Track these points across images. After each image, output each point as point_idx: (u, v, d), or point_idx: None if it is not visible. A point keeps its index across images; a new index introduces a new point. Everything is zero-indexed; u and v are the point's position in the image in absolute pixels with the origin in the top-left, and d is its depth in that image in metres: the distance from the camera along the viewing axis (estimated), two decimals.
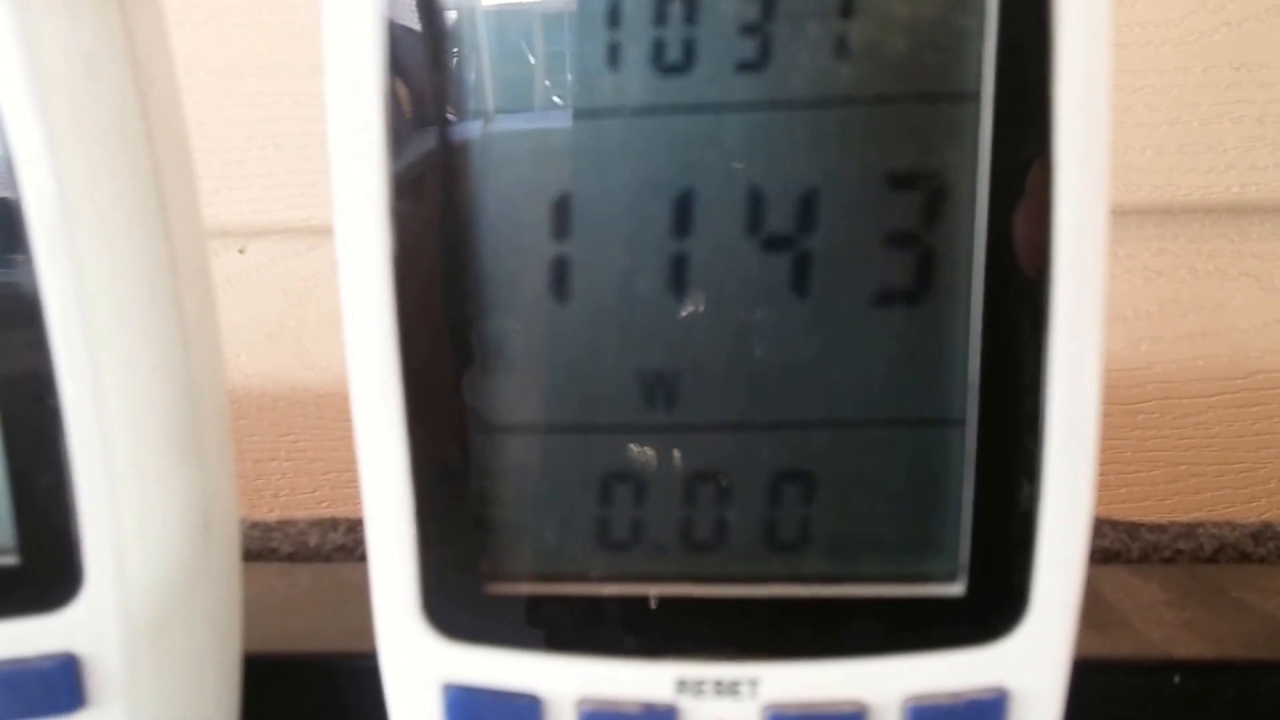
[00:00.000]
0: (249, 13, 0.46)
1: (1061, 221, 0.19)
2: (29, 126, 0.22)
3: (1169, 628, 0.29)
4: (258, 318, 0.49)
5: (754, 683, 0.22)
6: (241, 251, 0.48)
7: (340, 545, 0.47)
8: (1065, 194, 0.19)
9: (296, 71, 0.46)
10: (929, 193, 0.20)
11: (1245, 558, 0.36)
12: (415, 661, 0.23)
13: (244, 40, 0.46)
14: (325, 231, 0.48)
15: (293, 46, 0.46)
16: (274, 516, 0.47)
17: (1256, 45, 0.42)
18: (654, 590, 0.22)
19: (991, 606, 0.21)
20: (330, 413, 0.51)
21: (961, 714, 0.21)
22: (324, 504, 0.51)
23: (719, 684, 0.22)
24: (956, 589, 0.21)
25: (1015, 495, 0.21)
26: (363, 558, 0.46)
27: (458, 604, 0.22)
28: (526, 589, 0.22)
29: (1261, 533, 0.37)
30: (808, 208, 0.20)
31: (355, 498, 0.53)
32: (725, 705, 0.22)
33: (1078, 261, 0.19)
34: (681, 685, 0.22)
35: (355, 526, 0.47)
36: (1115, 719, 0.23)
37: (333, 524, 0.47)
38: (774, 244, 0.21)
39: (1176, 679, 0.27)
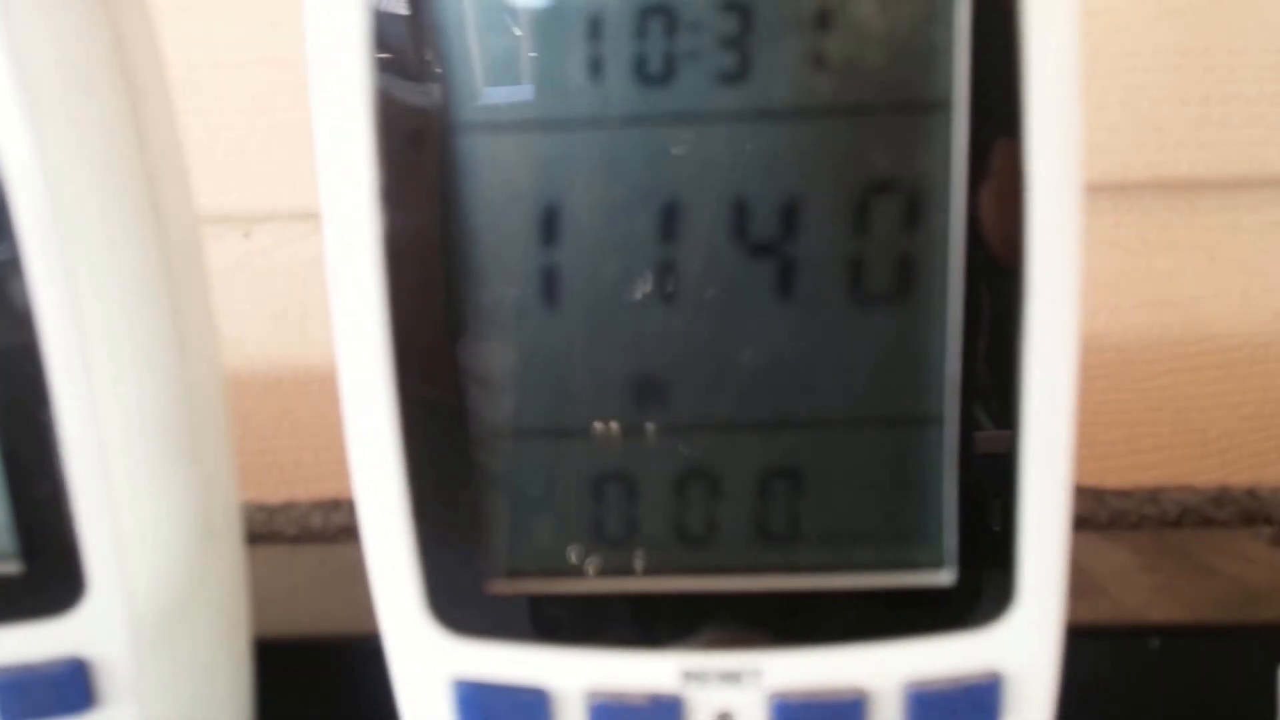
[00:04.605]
0: (250, 6, 0.44)
1: (1034, 223, 0.19)
2: (18, 130, 0.21)
3: (1144, 593, 0.29)
4: (262, 300, 0.48)
5: (757, 672, 0.21)
6: (246, 235, 0.47)
7: (344, 526, 0.46)
8: (1038, 196, 0.19)
9: (297, 63, 0.44)
10: (907, 198, 0.19)
11: (1208, 522, 0.36)
12: (423, 658, 0.22)
13: (244, 33, 0.44)
14: None
15: (294, 40, 0.44)
16: (278, 499, 0.46)
17: (1200, 32, 0.42)
18: (652, 585, 0.22)
19: (981, 593, 0.21)
20: (333, 394, 0.49)
21: (959, 698, 0.21)
22: (326, 479, 0.50)
23: (723, 674, 0.21)
24: (946, 577, 0.21)
25: (996, 488, 0.20)
26: None
27: (462, 601, 0.22)
28: (527, 586, 0.22)
29: (1220, 497, 0.36)
30: (791, 215, 0.20)
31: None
32: (730, 694, 0.21)
33: (1051, 261, 0.19)
34: (687, 676, 0.22)
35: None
36: (1095, 683, 0.22)
37: (335, 505, 0.46)
38: (759, 250, 0.20)
39: (1155, 643, 0.27)
